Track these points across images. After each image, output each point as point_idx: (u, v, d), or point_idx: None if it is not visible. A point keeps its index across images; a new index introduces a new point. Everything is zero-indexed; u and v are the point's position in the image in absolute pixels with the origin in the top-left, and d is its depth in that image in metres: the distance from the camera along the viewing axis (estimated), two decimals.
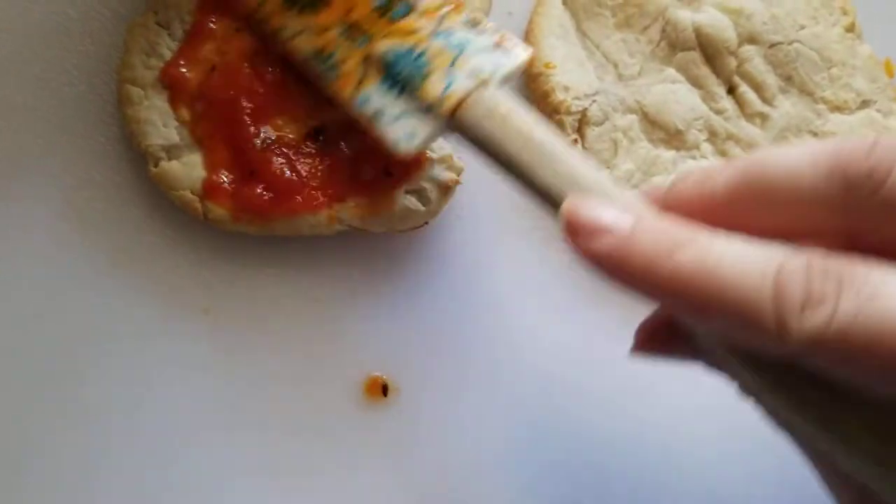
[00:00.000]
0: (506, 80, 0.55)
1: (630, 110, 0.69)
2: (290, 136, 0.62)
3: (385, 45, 0.56)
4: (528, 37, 0.70)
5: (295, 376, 0.62)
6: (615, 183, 0.48)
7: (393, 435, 0.62)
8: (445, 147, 0.65)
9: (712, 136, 0.70)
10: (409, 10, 0.57)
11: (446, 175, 0.64)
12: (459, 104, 0.53)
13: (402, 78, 0.54)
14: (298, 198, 0.60)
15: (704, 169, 0.46)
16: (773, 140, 0.70)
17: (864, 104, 0.72)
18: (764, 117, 0.71)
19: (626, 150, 0.68)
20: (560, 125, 0.67)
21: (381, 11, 0.57)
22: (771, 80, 0.71)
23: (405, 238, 0.65)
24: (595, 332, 0.67)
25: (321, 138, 0.62)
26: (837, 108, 0.72)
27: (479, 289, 0.66)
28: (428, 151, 0.64)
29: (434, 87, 0.54)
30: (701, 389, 0.65)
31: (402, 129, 0.54)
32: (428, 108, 0.54)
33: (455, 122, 0.53)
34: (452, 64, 0.54)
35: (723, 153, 0.70)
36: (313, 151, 0.62)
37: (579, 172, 0.48)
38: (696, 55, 0.71)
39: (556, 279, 0.67)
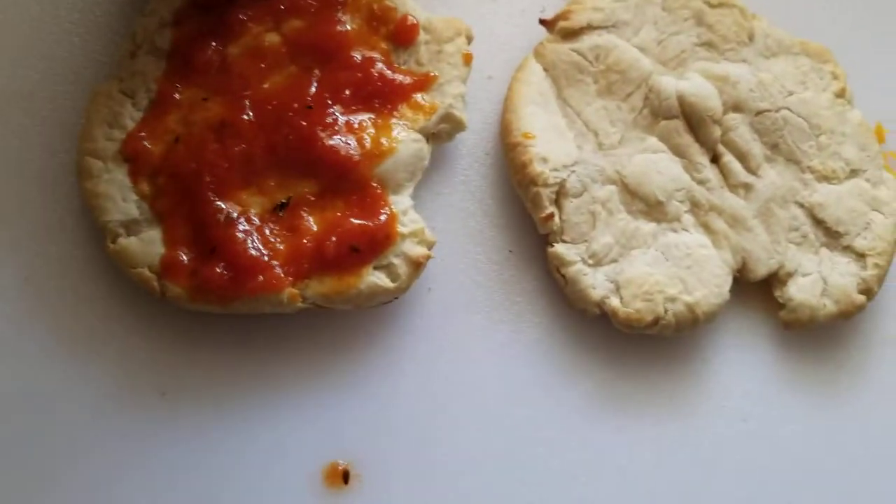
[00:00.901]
0: None
1: (609, 181, 0.67)
2: (255, 211, 0.60)
3: None
4: (507, 104, 0.68)
5: (252, 463, 0.60)
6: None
7: None
8: (417, 220, 0.63)
9: (694, 207, 0.68)
10: None
11: (417, 250, 0.62)
12: None
13: None
14: (260, 277, 0.58)
15: None
16: (757, 211, 0.68)
17: (853, 173, 0.70)
18: (748, 188, 0.69)
19: (605, 223, 0.66)
20: (537, 197, 0.65)
21: None
22: (756, 149, 0.69)
23: (373, 313, 0.63)
24: (568, 411, 0.64)
25: (286, 213, 0.60)
26: (825, 178, 0.70)
27: (448, 368, 0.64)
28: (399, 226, 0.62)
29: None
30: (675, 467, 0.64)
31: None
32: None
33: None
34: None
35: (705, 225, 0.68)
36: (278, 227, 0.60)
37: None
38: (679, 123, 0.69)
39: (526, 355, 0.65)
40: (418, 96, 0.64)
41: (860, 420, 0.67)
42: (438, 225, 0.66)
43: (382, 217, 0.60)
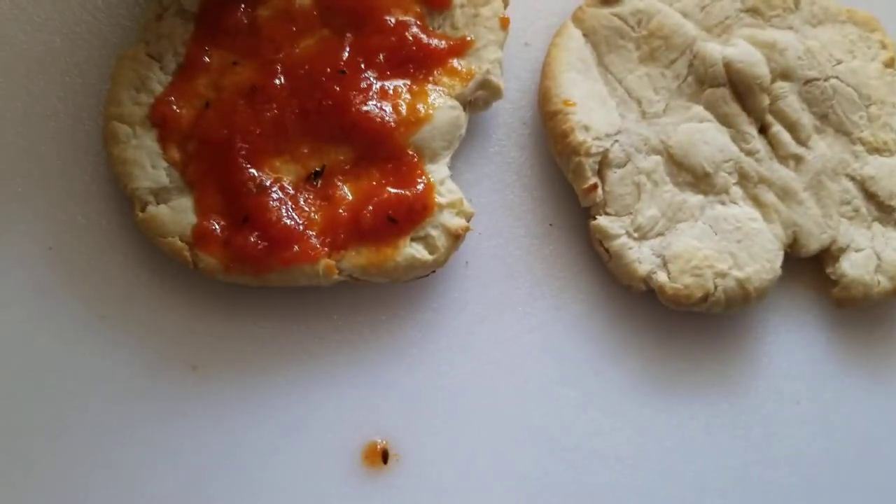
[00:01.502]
0: None
1: (654, 151, 0.64)
2: (289, 179, 0.57)
3: None
4: (545, 70, 0.66)
5: (287, 441, 0.58)
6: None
7: None
8: (455, 191, 0.60)
9: (743, 179, 0.65)
10: None
11: (455, 221, 0.59)
12: None
13: None
14: (295, 247, 0.55)
15: None
16: (807, 184, 0.65)
17: None
18: (798, 159, 0.66)
19: (650, 195, 0.64)
20: (579, 167, 0.63)
21: None
22: (806, 119, 0.66)
23: (409, 287, 0.61)
24: (613, 391, 0.62)
25: (320, 182, 0.57)
26: (876, 150, 0.67)
27: (487, 344, 0.61)
28: (436, 196, 0.59)
29: None
30: (725, 449, 0.61)
31: None
32: None
33: None
34: None
35: (754, 198, 0.65)
36: (312, 196, 0.57)
37: None
38: (725, 92, 0.66)
39: (569, 332, 0.62)
40: (454, 61, 0.62)
41: None
42: (475, 197, 0.64)
43: (419, 186, 0.58)
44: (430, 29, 0.63)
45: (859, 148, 0.67)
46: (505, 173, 0.65)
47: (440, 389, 0.60)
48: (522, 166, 0.66)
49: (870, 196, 0.66)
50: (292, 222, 0.56)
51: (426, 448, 0.58)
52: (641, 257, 0.62)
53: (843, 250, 0.65)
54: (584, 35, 0.67)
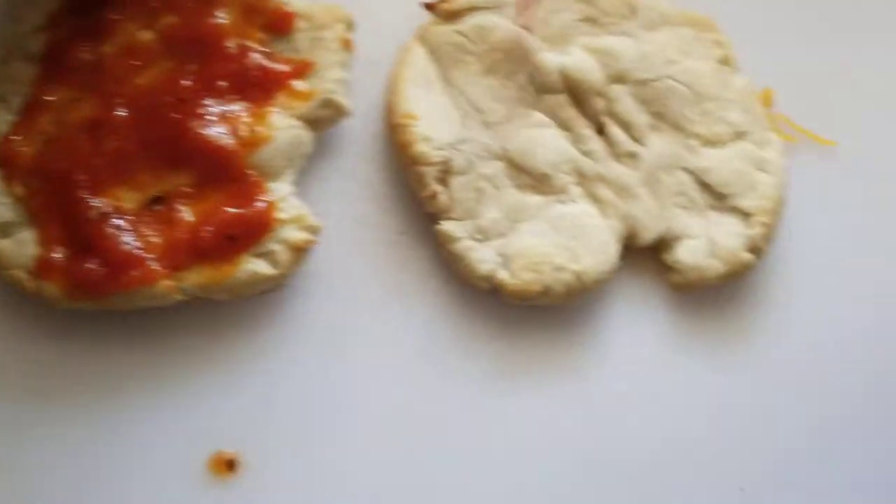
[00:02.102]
0: None
1: (495, 157, 0.68)
2: (129, 206, 0.60)
3: None
4: (390, 87, 0.69)
5: (134, 457, 0.60)
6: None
7: None
8: (298, 206, 0.63)
9: (581, 178, 0.68)
10: None
11: (298, 236, 0.62)
12: None
13: None
14: (134, 271, 0.58)
15: None
16: (643, 179, 0.69)
17: (739, 136, 0.71)
18: (634, 156, 0.69)
19: (492, 198, 0.67)
20: (421, 176, 0.66)
21: None
22: (641, 118, 0.70)
23: (257, 302, 0.63)
24: (462, 387, 0.65)
25: (159, 206, 0.60)
26: (710, 143, 0.70)
27: (337, 353, 0.64)
28: (278, 211, 0.62)
29: None
30: (571, 435, 0.64)
31: None
32: None
33: None
34: None
35: (592, 195, 0.68)
36: (153, 221, 0.60)
37: None
38: (563, 98, 0.69)
39: (417, 336, 0.65)
40: (296, 83, 0.64)
41: (755, 380, 0.67)
42: (326, 211, 0.66)
43: (259, 205, 0.61)
44: (272, 53, 0.65)
45: (694, 142, 0.70)
46: (356, 187, 0.68)
47: (288, 399, 0.62)
48: (373, 179, 0.69)
49: (704, 186, 0.69)
50: (131, 247, 0.58)
51: (275, 455, 0.61)
52: (484, 257, 0.66)
53: (678, 238, 0.68)
54: (429, 52, 0.70)
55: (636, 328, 0.68)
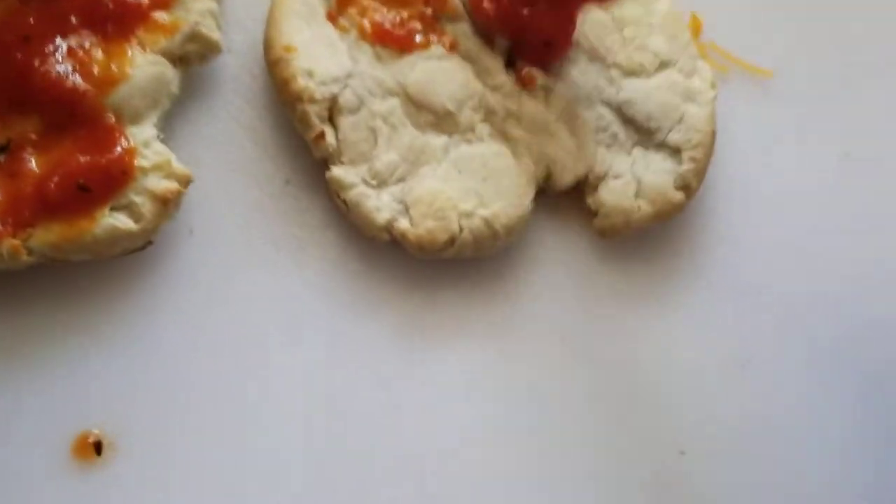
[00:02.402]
0: None
1: (390, 93, 0.61)
2: None
3: None
4: (269, 19, 0.61)
5: None
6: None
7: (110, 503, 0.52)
8: (163, 152, 0.56)
9: (489, 115, 0.62)
10: None
11: (163, 185, 0.55)
12: None
13: None
14: None
15: None
16: (559, 115, 0.62)
17: (664, 65, 0.64)
18: (548, 90, 0.63)
19: (388, 139, 0.60)
20: (304, 116, 0.59)
21: None
22: None
23: (122, 263, 0.56)
24: (365, 349, 0.58)
25: (2, 157, 0.52)
26: (633, 73, 0.64)
27: (218, 317, 0.57)
28: (139, 158, 0.54)
29: None
30: (490, 395, 0.58)
31: None
32: None
33: None
34: None
35: (503, 134, 0.62)
36: None
37: None
38: (466, 26, 0.63)
39: (311, 292, 0.58)
40: (157, 15, 0.57)
41: (689, 327, 0.62)
42: (201, 159, 0.59)
43: (117, 150, 0.53)
44: None
45: (614, 73, 0.64)
46: (234, 131, 0.61)
47: (163, 372, 0.55)
48: (253, 122, 0.62)
49: (628, 120, 0.63)
50: None
51: (147, 435, 0.54)
52: (381, 205, 0.59)
53: (601, 179, 0.62)
54: None
55: (560, 280, 0.62)
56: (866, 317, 0.62)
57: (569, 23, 0.63)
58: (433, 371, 0.59)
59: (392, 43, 0.61)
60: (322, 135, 0.59)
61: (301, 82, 0.59)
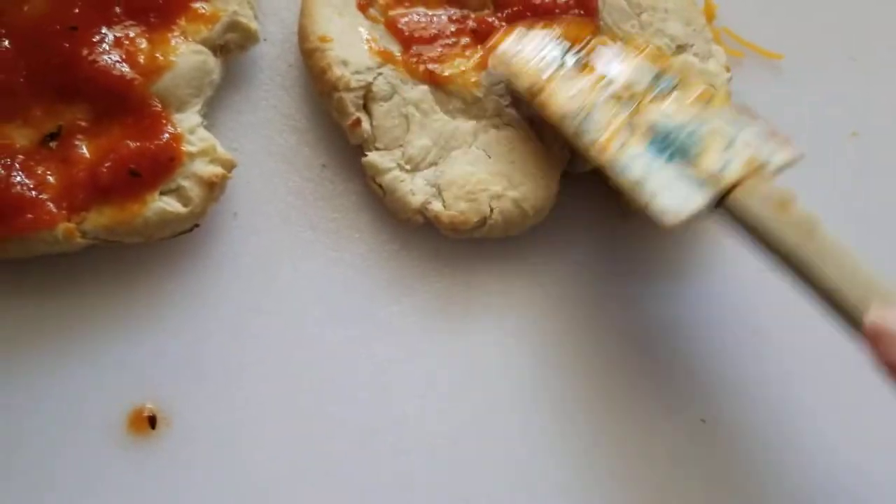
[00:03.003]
0: (780, 170, 0.53)
1: (421, 80, 0.63)
2: (20, 143, 0.55)
3: (656, 115, 0.55)
4: (302, 9, 0.64)
5: (46, 415, 0.55)
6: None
7: (164, 475, 0.55)
8: (208, 138, 0.58)
9: (516, 100, 0.64)
10: (674, 86, 0.57)
11: (209, 170, 0.57)
12: (735, 185, 0.51)
13: (672, 149, 0.54)
14: (29, 214, 0.52)
15: None
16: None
17: (680, 49, 0.67)
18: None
19: (420, 125, 0.62)
20: (341, 103, 0.61)
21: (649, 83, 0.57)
22: None
23: (171, 245, 0.58)
24: (399, 326, 0.60)
25: (55, 143, 0.54)
26: None
27: (260, 296, 0.59)
28: (185, 144, 0.57)
29: (710, 163, 0.52)
30: (520, 370, 0.61)
31: (669, 198, 0.52)
32: (701, 184, 0.51)
33: (728, 202, 0.51)
34: (728, 147, 0.53)
35: (529, 118, 0.64)
36: (48, 159, 0.54)
37: (877, 280, 0.47)
38: (494, 17, 0.65)
39: (348, 273, 0.60)
40: (198, 5, 0.59)
41: (711, 300, 0.64)
42: (241, 146, 0.62)
43: (165, 136, 0.55)
44: None
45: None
46: (272, 118, 0.63)
47: (211, 348, 0.57)
48: (290, 109, 0.64)
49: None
50: (23, 188, 0.53)
51: (199, 409, 0.56)
52: (415, 189, 0.61)
53: None
54: None
55: (583, 256, 0.64)
56: None
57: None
58: (466, 345, 0.61)
59: (417, 43, 0.63)
60: (358, 122, 0.61)
61: (337, 72, 0.61)
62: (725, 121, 0.55)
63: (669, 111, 0.55)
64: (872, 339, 0.44)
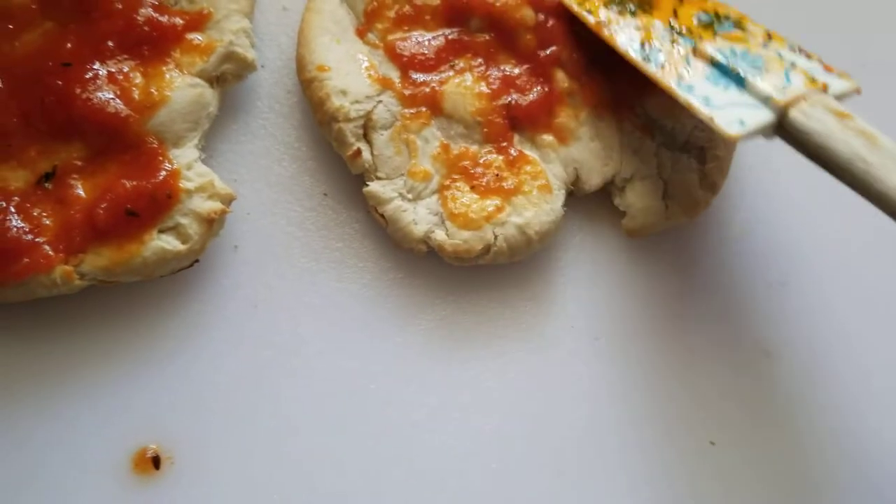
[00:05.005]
0: (839, 96, 0.55)
1: (421, 106, 0.62)
2: (15, 185, 0.54)
3: (717, 45, 0.57)
4: (299, 37, 0.62)
5: (51, 459, 0.54)
6: None
7: None
8: (206, 174, 0.57)
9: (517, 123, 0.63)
10: (734, 28, 0.60)
11: (208, 206, 0.56)
12: (796, 100, 0.53)
13: (734, 73, 0.56)
14: (26, 259, 0.51)
15: None
16: (584, 120, 0.63)
17: None
18: (572, 93, 0.64)
19: (422, 153, 0.61)
20: (340, 134, 0.60)
21: (705, 24, 0.60)
22: (577, 53, 0.64)
23: (171, 280, 0.57)
24: (404, 357, 0.60)
25: (50, 184, 0.54)
26: None
27: (263, 329, 0.58)
28: (182, 180, 0.56)
29: (772, 81, 0.54)
30: (523, 396, 0.60)
31: (732, 115, 0.54)
32: (763, 101, 0.54)
33: (788, 119, 0.53)
34: (789, 70, 0.55)
35: (531, 141, 0.63)
36: (44, 201, 0.53)
37: None
38: (490, 39, 0.63)
39: (352, 304, 0.60)
40: (192, 36, 0.58)
41: (711, 328, 0.63)
42: (240, 176, 0.61)
43: (161, 174, 0.54)
44: (163, 5, 0.59)
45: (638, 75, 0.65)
46: (272, 146, 0.62)
47: (214, 384, 0.57)
48: (290, 137, 0.63)
49: (651, 121, 0.64)
50: (19, 232, 0.52)
51: (203, 448, 0.55)
52: (417, 218, 0.60)
53: (627, 180, 0.64)
54: None
55: (589, 280, 0.63)
56: None
57: None
58: (471, 373, 0.60)
59: (415, 68, 0.62)
60: (358, 152, 0.60)
61: (336, 102, 0.60)
62: (781, 52, 0.58)
63: (730, 44, 0.58)
64: None
